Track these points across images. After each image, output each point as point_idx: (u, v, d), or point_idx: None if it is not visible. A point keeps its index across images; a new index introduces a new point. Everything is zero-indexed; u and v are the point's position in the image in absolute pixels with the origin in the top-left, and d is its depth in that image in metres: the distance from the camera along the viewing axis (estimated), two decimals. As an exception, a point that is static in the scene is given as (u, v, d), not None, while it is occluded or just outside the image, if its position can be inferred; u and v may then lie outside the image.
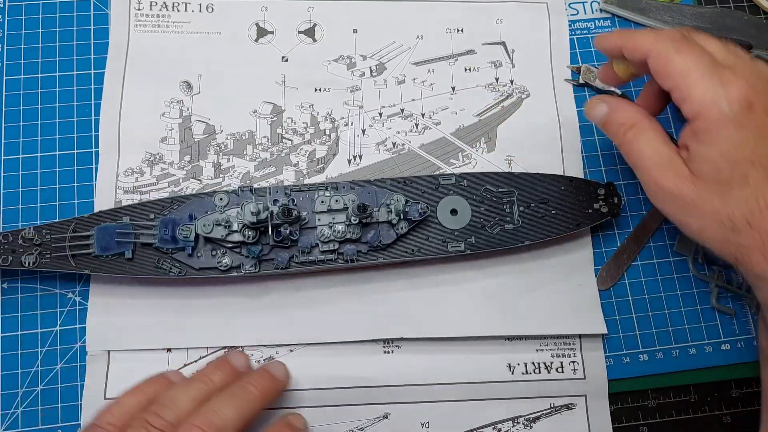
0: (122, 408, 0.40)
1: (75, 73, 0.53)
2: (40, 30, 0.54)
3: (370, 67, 0.55)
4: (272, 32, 0.55)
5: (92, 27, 0.54)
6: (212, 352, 0.48)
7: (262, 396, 0.41)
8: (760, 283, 0.39)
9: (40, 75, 0.53)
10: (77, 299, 0.48)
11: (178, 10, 0.55)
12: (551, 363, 0.49)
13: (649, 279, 0.51)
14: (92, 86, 0.53)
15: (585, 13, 0.58)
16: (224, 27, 0.55)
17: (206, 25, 0.55)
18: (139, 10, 0.55)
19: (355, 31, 0.56)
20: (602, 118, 0.45)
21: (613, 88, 0.54)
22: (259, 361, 0.48)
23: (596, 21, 0.58)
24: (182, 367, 0.47)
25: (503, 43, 0.56)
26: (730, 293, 0.51)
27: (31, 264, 0.45)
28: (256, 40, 0.55)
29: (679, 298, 0.51)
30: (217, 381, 0.42)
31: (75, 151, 0.51)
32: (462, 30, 0.56)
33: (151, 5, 0.55)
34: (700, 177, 0.39)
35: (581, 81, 0.55)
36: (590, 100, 0.46)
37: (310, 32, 0.56)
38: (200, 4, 0.55)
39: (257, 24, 0.55)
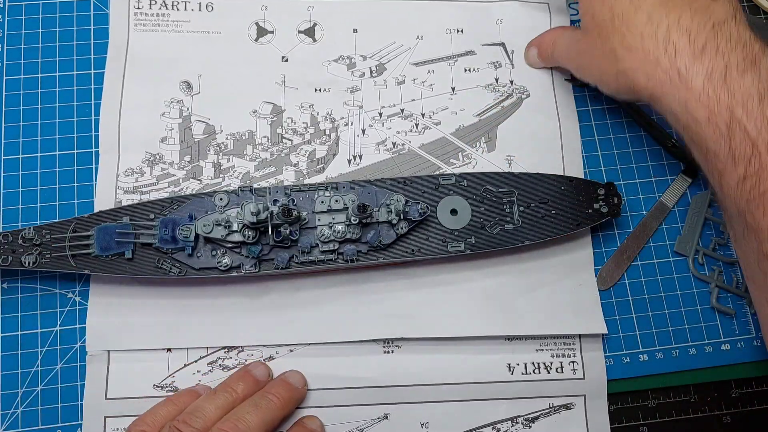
0: (154, 417, 0.43)
1: (75, 73, 0.53)
2: (40, 30, 0.54)
3: (370, 68, 0.55)
4: (272, 32, 0.55)
5: (92, 27, 0.54)
6: (212, 352, 0.48)
7: (282, 405, 0.44)
8: (655, 102, 0.43)
9: (40, 75, 0.53)
10: (77, 299, 0.48)
11: (178, 9, 0.55)
12: (551, 363, 0.49)
13: (649, 279, 0.51)
14: (92, 86, 0.53)
15: (586, 13, 0.58)
16: (224, 26, 0.55)
17: (206, 24, 0.55)
18: (138, 9, 0.54)
19: (355, 30, 0.56)
20: (537, 56, 0.55)
21: None
22: (259, 360, 0.48)
23: (597, 21, 0.57)
24: (182, 367, 0.47)
25: (503, 45, 0.56)
26: (730, 293, 0.51)
27: (31, 264, 0.45)
28: (256, 40, 0.55)
29: (679, 298, 0.51)
30: (240, 391, 0.44)
31: (75, 151, 0.51)
32: (462, 30, 0.56)
33: (150, 4, 0.55)
34: (586, 31, 0.47)
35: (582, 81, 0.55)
36: (525, 54, 0.56)
37: (310, 32, 0.56)
38: (200, 3, 0.55)
39: (257, 23, 0.55)
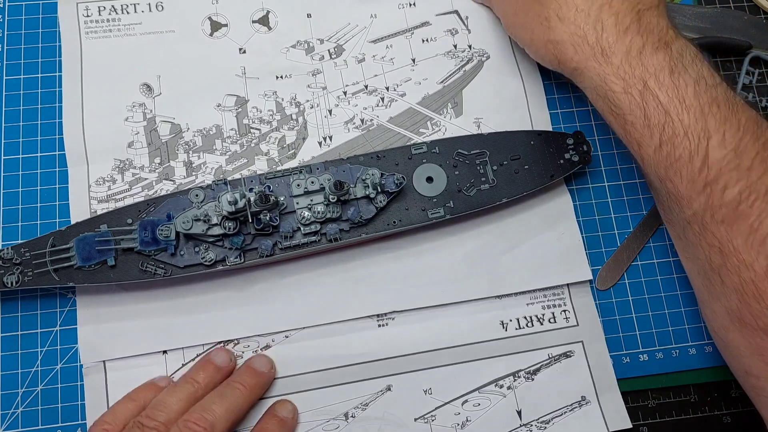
0: (115, 415, 0.43)
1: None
2: (40, 30, 0.54)
3: (329, 50, 0.55)
4: (226, 25, 0.55)
5: (92, 26, 0.54)
6: (208, 349, 0.48)
7: (249, 392, 0.45)
8: (578, 75, 0.45)
9: (40, 75, 0.53)
10: (76, 299, 0.48)
11: (128, 12, 0.54)
12: (543, 315, 0.50)
13: (649, 279, 0.51)
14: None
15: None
16: (177, 24, 0.54)
17: (158, 24, 0.54)
18: (87, 17, 0.54)
19: (309, 15, 0.56)
20: None
21: None
22: (256, 350, 0.48)
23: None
24: (180, 367, 0.47)
25: (456, 12, 0.57)
26: (730, 293, 0.51)
27: (14, 284, 0.44)
28: (211, 35, 0.55)
29: (679, 298, 0.51)
30: (201, 380, 0.44)
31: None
32: (414, 4, 0.57)
33: (99, 11, 0.54)
34: None
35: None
36: None
37: (264, 20, 0.55)
38: (149, 4, 0.55)
39: (210, 18, 0.55)
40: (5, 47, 0.53)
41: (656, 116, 0.41)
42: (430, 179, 0.49)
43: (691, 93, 0.41)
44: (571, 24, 0.44)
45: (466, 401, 0.48)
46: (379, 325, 0.49)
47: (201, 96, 0.53)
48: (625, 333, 0.50)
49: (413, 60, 0.55)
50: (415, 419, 0.47)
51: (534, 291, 0.50)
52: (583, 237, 0.51)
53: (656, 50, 0.42)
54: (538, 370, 0.49)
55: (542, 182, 0.50)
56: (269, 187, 0.47)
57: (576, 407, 0.48)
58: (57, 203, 0.50)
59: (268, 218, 0.45)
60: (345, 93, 0.54)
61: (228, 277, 0.48)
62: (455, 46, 0.56)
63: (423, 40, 0.56)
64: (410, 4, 0.57)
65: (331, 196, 0.46)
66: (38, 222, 0.49)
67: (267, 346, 0.48)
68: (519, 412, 0.48)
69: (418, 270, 0.50)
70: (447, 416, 0.47)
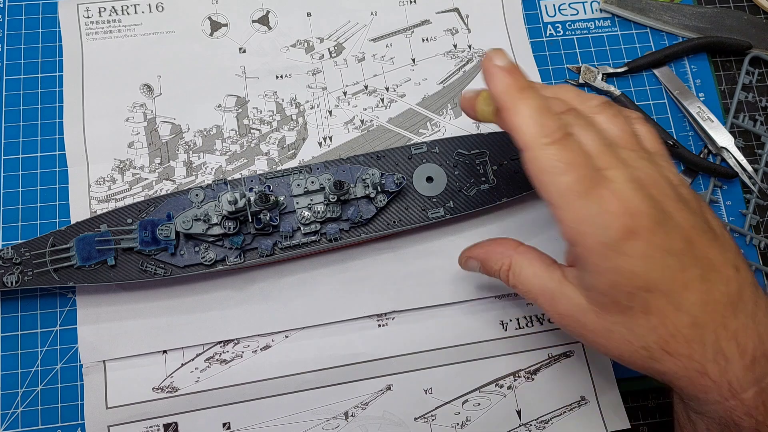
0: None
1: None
2: (40, 30, 0.54)
3: (329, 49, 0.55)
4: (226, 24, 0.55)
5: (92, 26, 0.54)
6: (208, 348, 0.47)
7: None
8: (691, 400, 0.37)
9: (40, 75, 0.53)
10: (76, 299, 0.48)
11: (128, 13, 0.54)
12: (543, 314, 0.50)
13: None
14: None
15: (585, 13, 0.58)
16: (177, 25, 0.54)
17: (158, 24, 0.54)
18: (88, 18, 0.54)
19: (308, 14, 0.56)
20: (479, 271, 0.44)
21: (611, 88, 0.54)
22: (255, 350, 0.48)
23: (596, 21, 0.58)
24: (180, 367, 0.47)
25: (457, 10, 0.57)
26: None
27: (14, 284, 0.44)
28: (211, 34, 0.55)
29: None
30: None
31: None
32: (414, 1, 0.57)
33: (100, 11, 0.54)
34: (599, 306, 0.36)
35: (581, 81, 0.55)
36: (459, 258, 0.45)
37: (264, 20, 0.55)
38: (149, 5, 0.55)
39: (210, 18, 0.55)
40: (5, 47, 0.53)
41: None
42: (430, 179, 0.49)
43: None
44: (683, 358, 0.35)
45: (466, 401, 0.48)
46: (379, 325, 0.49)
47: (201, 96, 0.53)
48: (625, 333, 0.50)
49: (413, 60, 0.55)
50: (415, 419, 0.47)
51: (534, 291, 0.50)
52: (583, 237, 0.51)
53: None
54: (537, 369, 0.49)
55: (542, 182, 0.49)
56: (269, 186, 0.47)
57: (575, 407, 0.48)
58: (57, 203, 0.50)
59: (268, 218, 0.45)
60: (345, 93, 0.54)
61: (228, 276, 0.48)
62: (455, 46, 0.56)
63: (423, 39, 0.56)
64: (411, 2, 0.57)
65: (331, 196, 0.46)
66: (38, 222, 0.49)
67: (267, 346, 0.48)
68: (519, 412, 0.48)
69: (418, 270, 0.50)
70: (447, 416, 0.47)
